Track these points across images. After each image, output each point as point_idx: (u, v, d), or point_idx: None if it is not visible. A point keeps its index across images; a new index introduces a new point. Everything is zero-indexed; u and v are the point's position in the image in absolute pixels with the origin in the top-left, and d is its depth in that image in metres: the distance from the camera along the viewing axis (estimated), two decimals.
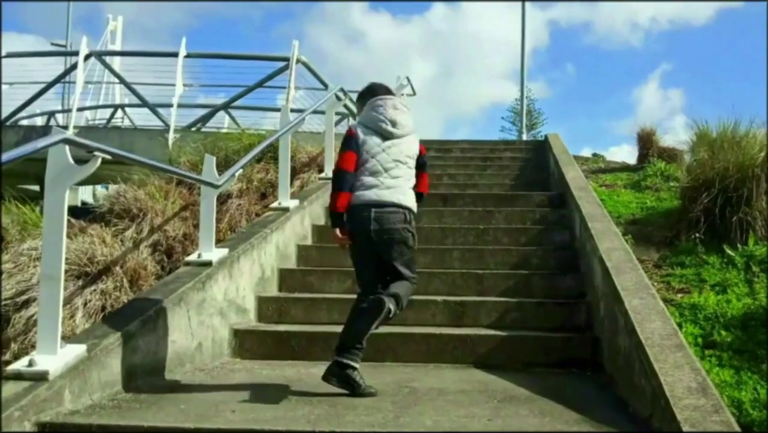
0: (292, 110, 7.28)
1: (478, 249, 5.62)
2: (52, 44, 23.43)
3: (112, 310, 3.70)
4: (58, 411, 2.75)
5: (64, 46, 21.92)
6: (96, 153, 3.02)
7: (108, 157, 3.09)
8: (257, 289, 4.70)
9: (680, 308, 4.59)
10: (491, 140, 12.56)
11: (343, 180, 3.37)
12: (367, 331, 3.24)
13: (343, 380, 3.18)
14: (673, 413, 2.46)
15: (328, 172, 6.85)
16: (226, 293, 4.24)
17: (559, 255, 5.48)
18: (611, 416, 2.90)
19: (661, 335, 3.12)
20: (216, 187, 4.31)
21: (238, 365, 3.98)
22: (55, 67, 14.16)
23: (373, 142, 3.42)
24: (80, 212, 5.01)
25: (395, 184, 3.38)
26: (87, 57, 11.13)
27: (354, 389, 3.16)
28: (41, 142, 2.79)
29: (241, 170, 5.11)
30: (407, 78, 11.14)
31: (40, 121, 13.21)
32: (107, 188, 6.79)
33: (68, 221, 3.16)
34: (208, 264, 4.14)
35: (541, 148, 10.34)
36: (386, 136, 3.44)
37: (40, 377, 2.75)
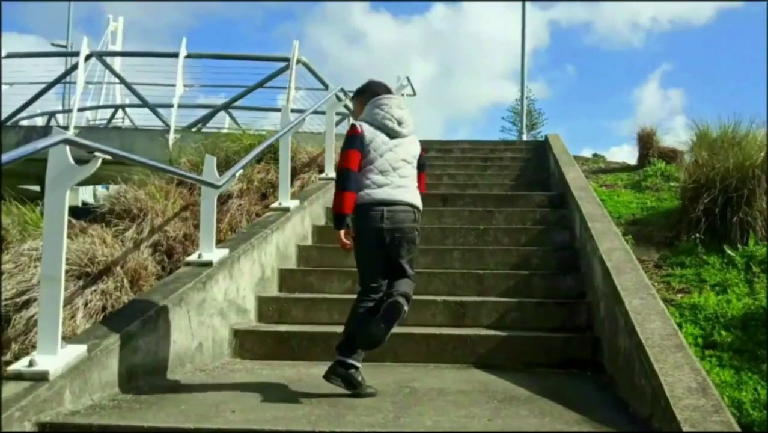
0: (293, 110, 7.28)
1: (479, 249, 5.62)
2: (53, 45, 23.51)
3: (112, 310, 3.70)
4: (58, 411, 2.75)
5: (65, 46, 21.96)
6: (96, 153, 3.02)
7: (108, 157, 3.09)
8: (257, 289, 4.70)
9: (680, 308, 4.59)
10: (491, 140, 12.57)
11: (348, 179, 3.31)
12: (386, 336, 3.25)
13: (345, 379, 3.18)
14: (673, 413, 2.46)
15: (329, 172, 6.86)
16: (226, 294, 4.24)
17: (560, 255, 5.48)
18: (611, 417, 2.90)
19: (661, 335, 3.12)
20: (216, 187, 4.31)
21: (238, 365, 3.98)
22: (55, 67, 14.23)
23: (380, 140, 3.39)
24: (81, 212, 5.01)
25: (405, 184, 3.39)
26: (87, 57, 11.14)
27: (356, 389, 3.17)
28: (42, 143, 2.80)
29: (241, 171, 5.12)
30: (407, 78, 11.15)
31: (40, 122, 13.22)
32: (108, 189, 6.78)
33: (69, 221, 3.16)
34: (208, 264, 4.15)
35: (542, 149, 10.34)
36: (393, 135, 3.43)
37: (41, 378, 2.75)
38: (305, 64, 10.52)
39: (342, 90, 7.50)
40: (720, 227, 5.52)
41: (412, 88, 11.48)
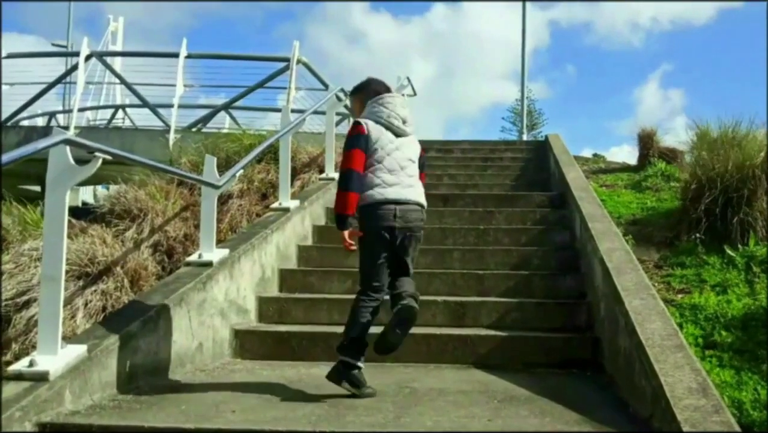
0: (293, 111, 7.28)
1: (479, 249, 5.62)
2: (53, 45, 23.52)
3: (112, 310, 3.70)
4: (58, 411, 2.75)
5: (65, 46, 21.96)
6: (97, 153, 3.02)
7: (109, 157, 3.09)
8: (258, 289, 4.70)
9: (681, 308, 4.59)
10: (492, 141, 12.57)
11: (352, 180, 3.29)
12: (402, 340, 3.27)
13: (348, 379, 3.17)
14: (673, 413, 2.46)
15: (329, 172, 6.86)
16: (226, 294, 4.24)
17: (560, 255, 5.48)
18: (611, 417, 2.90)
19: (661, 335, 3.12)
20: (217, 187, 4.31)
21: (238, 365, 3.98)
22: (56, 67, 14.23)
23: (386, 138, 3.37)
24: (81, 213, 5.00)
25: (412, 183, 3.40)
26: (88, 57, 11.15)
27: (357, 389, 3.16)
28: (42, 143, 2.80)
29: (241, 171, 5.12)
30: (408, 78, 11.16)
31: (41, 122, 13.23)
32: (108, 189, 6.79)
33: (69, 221, 3.16)
34: (208, 264, 4.15)
35: (542, 149, 10.33)
36: (398, 133, 3.42)
37: (41, 378, 2.75)
38: (305, 65, 10.52)
39: (342, 90, 7.50)
40: (720, 227, 5.52)
41: (413, 89, 11.48)
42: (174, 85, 10.52)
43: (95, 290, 3.78)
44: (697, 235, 5.51)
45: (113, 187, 5.45)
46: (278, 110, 9.52)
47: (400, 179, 3.34)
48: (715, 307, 4.54)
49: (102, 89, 14.10)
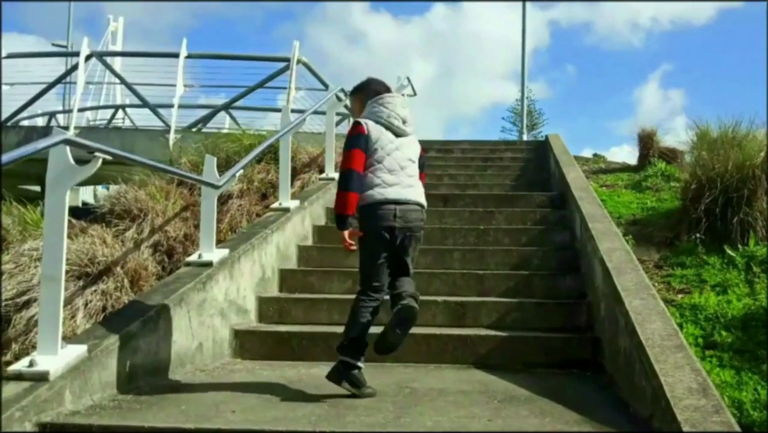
0: (293, 111, 7.28)
1: (479, 249, 5.62)
2: (53, 45, 23.51)
3: (112, 310, 3.70)
4: (58, 411, 2.75)
5: (65, 46, 21.96)
6: (97, 154, 3.02)
7: (109, 157, 3.09)
8: (258, 289, 4.70)
9: (681, 308, 4.59)
10: (492, 141, 12.57)
11: (352, 180, 3.28)
12: (402, 340, 3.28)
13: (348, 379, 3.16)
14: (673, 413, 2.46)
15: (329, 172, 6.86)
16: (226, 294, 4.24)
17: (560, 256, 5.48)
18: (611, 417, 2.90)
19: (661, 335, 3.12)
20: (217, 187, 4.31)
21: (238, 365, 3.98)
22: (56, 67, 14.22)
23: (386, 138, 3.37)
24: (81, 213, 5.00)
25: (413, 183, 3.40)
26: (88, 57, 11.15)
27: (358, 389, 3.16)
28: (42, 143, 2.80)
29: (241, 171, 5.12)
30: (408, 78, 11.15)
31: (41, 122, 13.22)
32: (108, 189, 6.79)
33: (69, 221, 3.16)
34: (208, 264, 4.15)
35: (542, 149, 10.33)
36: (398, 133, 3.42)
37: (41, 378, 2.75)
38: (305, 65, 10.52)
39: (342, 90, 7.51)
40: (720, 227, 5.52)
41: (413, 89, 11.48)
42: (174, 85, 10.52)
43: (95, 290, 3.78)
44: (697, 235, 5.51)
45: (113, 188, 5.45)
46: (278, 110, 9.52)
47: (400, 179, 3.34)
48: (716, 307, 4.54)
49: (102, 89, 14.11)
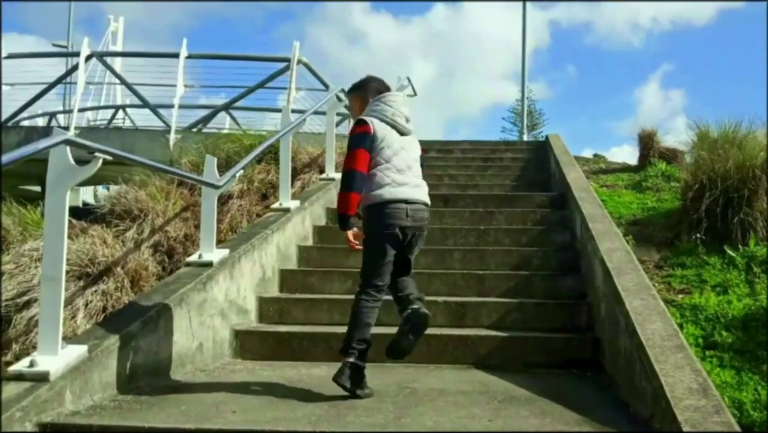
0: (293, 111, 7.29)
1: (479, 250, 5.62)
2: (54, 45, 23.50)
3: (113, 311, 3.70)
4: (59, 412, 2.75)
5: (66, 46, 21.95)
6: (97, 154, 3.02)
7: (109, 158, 3.09)
8: (258, 289, 4.70)
9: (681, 308, 4.59)
10: (492, 141, 12.58)
11: (355, 180, 3.27)
12: (414, 345, 3.31)
13: (355, 382, 3.13)
14: (673, 414, 2.45)
15: (329, 172, 6.86)
16: (227, 294, 4.24)
17: (560, 256, 5.48)
18: (612, 417, 2.90)
19: (661, 335, 3.11)
20: (217, 187, 4.31)
21: (239, 365, 3.98)
22: (56, 67, 14.23)
23: (393, 137, 3.36)
24: (81, 213, 5.01)
25: (419, 183, 3.42)
26: (88, 58, 11.15)
27: (362, 390, 3.13)
28: (42, 143, 2.80)
29: (242, 171, 5.12)
30: (408, 78, 11.14)
31: (41, 122, 13.22)
32: (108, 189, 6.79)
33: (69, 221, 3.16)
34: (209, 265, 4.15)
35: (542, 149, 10.33)
36: (402, 132, 3.42)
37: (41, 378, 2.75)
38: (306, 65, 10.52)
39: (342, 90, 7.49)
40: (721, 228, 5.52)
41: (413, 89, 11.47)
42: (174, 86, 10.53)
43: (96, 291, 3.78)
44: (698, 235, 5.51)
45: (114, 188, 5.45)
46: (278, 110, 9.53)
47: (408, 179, 3.35)
48: (716, 307, 4.54)
49: (102, 89, 14.10)
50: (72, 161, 2.95)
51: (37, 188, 9.37)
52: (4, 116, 10.96)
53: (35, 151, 2.69)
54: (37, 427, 2.62)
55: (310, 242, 5.89)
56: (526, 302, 4.65)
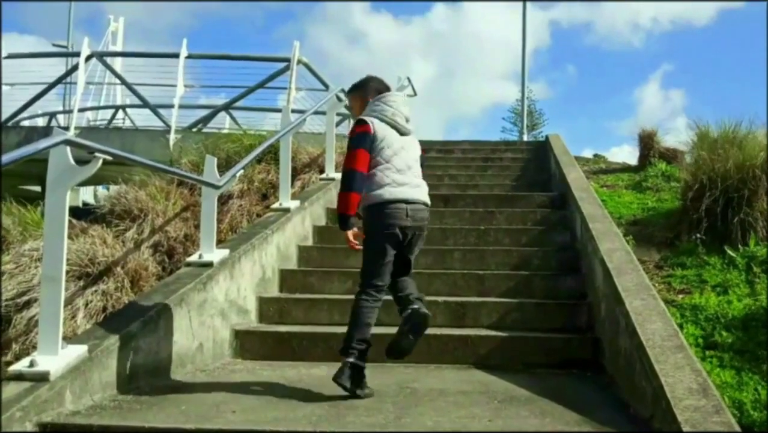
0: (293, 111, 7.28)
1: (479, 250, 5.62)
2: (54, 45, 23.50)
3: (113, 311, 3.70)
4: (59, 412, 2.75)
5: (66, 47, 21.95)
6: (97, 154, 3.02)
7: (109, 158, 3.09)
8: (258, 289, 4.70)
9: (681, 308, 4.59)
10: (492, 141, 12.58)
11: (355, 180, 3.27)
12: (415, 345, 3.32)
13: (355, 382, 3.12)
14: (673, 414, 2.45)
15: (329, 172, 6.86)
16: (227, 294, 4.24)
17: (560, 256, 5.48)
18: (612, 417, 2.90)
19: (662, 336, 3.11)
20: (217, 187, 4.31)
21: (239, 365, 3.98)
22: (56, 68, 14.23)
23: (393, 137, 3.36)
24: (81, 213, 5.00)
25: (419, 183, 3.42)
26: (88, 58, 11.16)
27: (362, 390, 3.13)
28: (42, 143, 2.80)
29: (242, 171, 5.12)
30: (408, 78, 11.15)
31: (41, 122, 13.22)
32: (108, 189, 6.79)
33: (69, 221, 3.16)
34: (209, 265, 4.15)
35: (542, 149, 10.33)
36: (402, 132, 3.42)
37: (41, 378, 2.75)
38: (306, 65, 10.53)
39: (342, 90, 7.49)
40: (721, 228, 5.52)
41: (413, 89, 11.48)
42: (174, 86, 10.53)
43: (96, 291, 3.78)
44: (698, 235, 5.50)
45: (113, 188, 5.45)
46: (279, 110, 9.53)
47: (408, 179, 3.35)
48: (716, 307, 4.54)
49: (102, 90, 14.12)
50: (72, 161, 2.95)
51: (38, 188, 9.37)
52: (4, 116, 10.96)
53: (35, 151, 2.69)
54: (37, 427, 2.62)
55: (310, 242, 5.89)
56: (526, 302, 4.65)
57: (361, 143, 3.30)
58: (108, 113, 14.11)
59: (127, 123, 13.98)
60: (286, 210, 5.56)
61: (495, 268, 5.31)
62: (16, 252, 3.99)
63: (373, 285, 3.27)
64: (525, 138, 17.89)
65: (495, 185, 8.21)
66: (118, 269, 3.98)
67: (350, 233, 3.34)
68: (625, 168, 9.37)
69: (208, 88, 23.59)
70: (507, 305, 4.59)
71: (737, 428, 2.37)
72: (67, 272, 3.44)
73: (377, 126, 3.34)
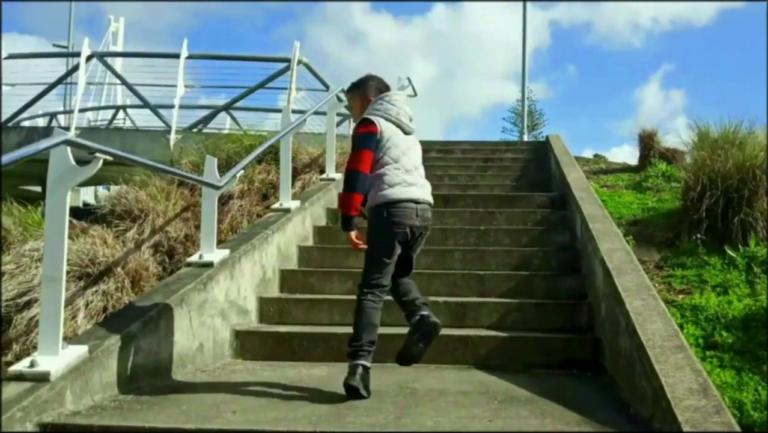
0: (294, 111, 7.28)
1: (480, 250, 5.62)
2: (54, 45, 23.55)
3: (113, 311, 3.70)
4: (59, 412, 2.75)
5: (66, 47, 21.97)
6: (97, 154, 3.02)
7: (109, 158, 3.09)
8: (258, 290, 4.71)
9: (681, 309, 4.59)
10: (492, 141, 12.60)
11: (358, 181, 3.24)
12: (425, 352, 3.32)
13: (365, 384, 3.10)
14: (674, 414, 2.46)
15: (330, 173, 6.86)
16: (227, 294, 4.24)
17: (560, 256, 5.48)
18: (612, 417, 2.90)
19: (662, 336, 3.11)
20: (217, 188, 4.31)
21: (239, 365, 3.98)
22: (56, 68, 14.24)
23: (398, 137, 3.35)
24: (82, 213, 5.01)
25: (425, 183, 3.43)
26: (89, 58, 11.15)
27: (366, 391, 3.10)
28: (43, 144, 2.80)
29: (242, 171, 5.12)
30: (408, 79, 11.14)
31: (42, 123, 13.22)
32: (109, 189, 6.79)
33: (70, 222, 3.16)
34: (209, 265, 4.15)
35: (543, 149, 10.33)
36: (407, 132, 3.42)
37: (42, 378, 2.76)
38: (306, 65, 10.53)
39: (343, 90, 7.49)
40: (721, 228, 5.52)
41: (413, 89, 11.47)
42: (175, 86, 10.53)
43: (96, 291, 3.79)
44: (698, 235, 5.51)
45: (114, 188, 5.46)
46: (279, 111, 9.53)
47: (416, 179, 3.36)
48: (716, 307, 4.54)
49: (103, 90, 14.11)
50: (73, 162, 2.95)
51: (38, 189, 9.37)
52: (5, 116, 10.97)
53: (36, 152, 2.69)
54: (37, 427, 2.62)
55: (310, 243, 5.89)
56: (527, 302, 4.65)
57: (367, 143, 3.27)
58: (108, 114, 14.11)
59: (128, 123, 13.99)
60: (287, 210, 5.56)
61: (495, 268, 5.31)
62: (16, 252, 4.00)
63: (377, 285, 3.25)
64: (525, 138, 17.91)
65: (495, 185, 8.21)
66: (119, 269, 3.99)
67: (353, 234, 3.33)
68: (626, 168, 9.37)
69: (208, 88, 23.59)
70: (507, 305, 4.59)
71: (737, 429, 2.37)
72: (68, 273, 3.44)
73: (384, 125, 3.31)
